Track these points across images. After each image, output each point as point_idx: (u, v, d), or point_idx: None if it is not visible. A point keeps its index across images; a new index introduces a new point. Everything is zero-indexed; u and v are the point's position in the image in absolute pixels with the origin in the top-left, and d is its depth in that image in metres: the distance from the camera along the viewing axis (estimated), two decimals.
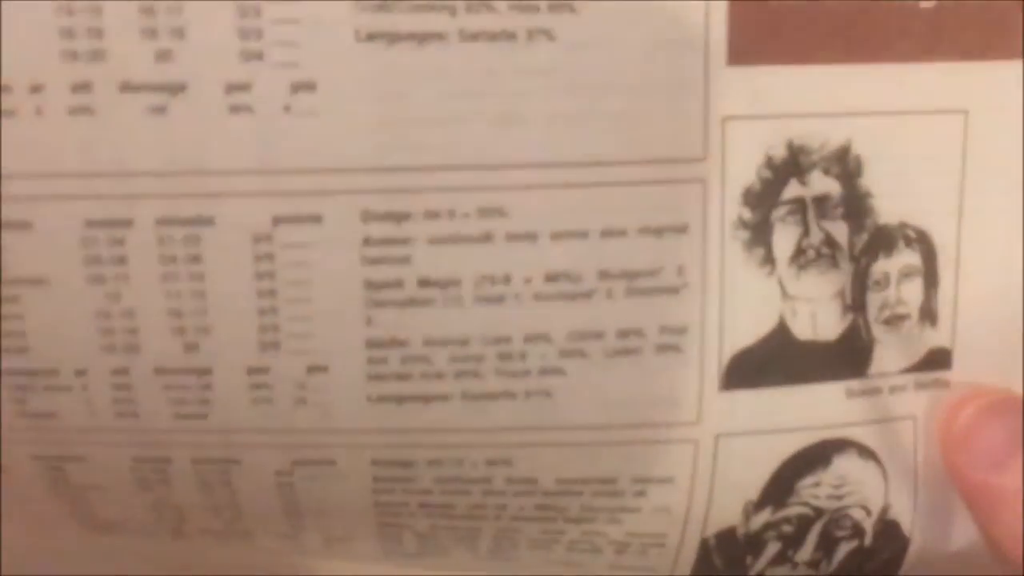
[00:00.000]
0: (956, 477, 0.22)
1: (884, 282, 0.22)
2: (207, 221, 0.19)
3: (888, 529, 0.23)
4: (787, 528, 0.23)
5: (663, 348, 0.21)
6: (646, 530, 0.23)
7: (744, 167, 0.20)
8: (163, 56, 0.18)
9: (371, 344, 0.20)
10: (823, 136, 0.21)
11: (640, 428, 0.21)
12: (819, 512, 0.23)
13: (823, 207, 0.21)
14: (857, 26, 0.20)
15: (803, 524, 0.23)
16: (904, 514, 0.23)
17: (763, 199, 0.21)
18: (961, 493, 0.22)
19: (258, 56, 0.18)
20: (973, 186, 0.22)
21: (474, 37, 0.18)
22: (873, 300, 0.22)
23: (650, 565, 0.24)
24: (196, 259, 0.19)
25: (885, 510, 0.23)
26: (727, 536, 0.23)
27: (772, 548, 0.23)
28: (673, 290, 0.20)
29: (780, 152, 0.20)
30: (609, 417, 0.21)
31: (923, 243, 0.22)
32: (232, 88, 0.18)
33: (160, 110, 0.18)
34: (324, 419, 0.20)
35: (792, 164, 0.21)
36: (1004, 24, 0.21)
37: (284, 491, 0.22)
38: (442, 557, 0.24)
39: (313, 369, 0.20)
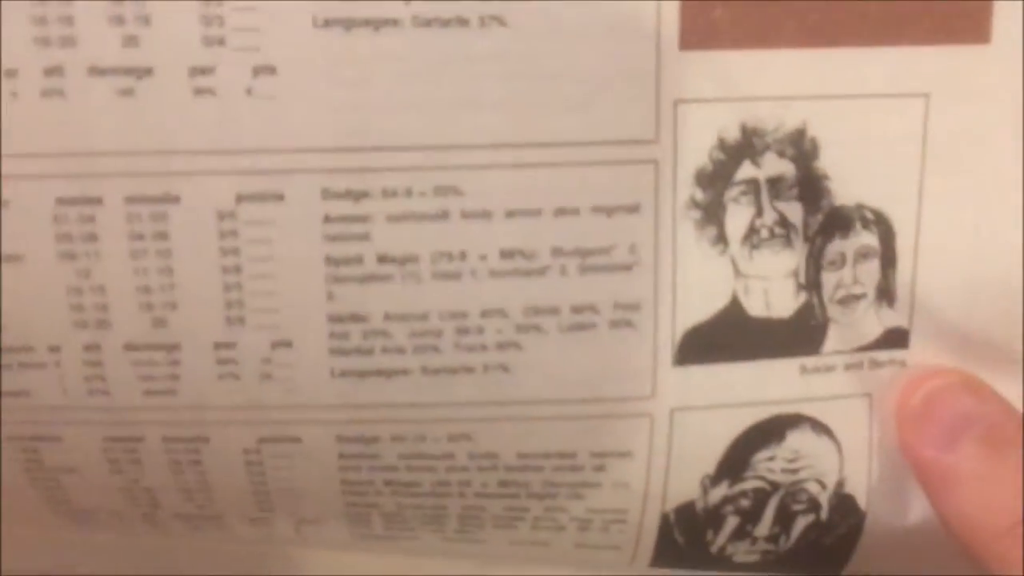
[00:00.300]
0: (909, 454, 0.22)
1: (840, 262, 0.22)
2: (173, 199, 0.20)
3: (844, 503, 0.24)
4: (744, 502, 0.23)
5: (617, 324, 0.21)
6: (607, 506, 0.23)
7: (697, 149, 0.21)
8: (130, 42, 0.19)
9: (333, 319, 0.21)
10: (778, 119, 0.21)
11: (597, 402, 0.22)
12: (775, 486, 0.23)
13: (777, 188, 0.22)
14: (813, 11, 0.21)
15: (760, 498, 0.23)
16: (859, 488, 0.24)
17: (716, 180, 0.21)
18: (914, 470, 0.23)
19: (220, 42, 0.19)
20: (933, 170, 0.22)
21: (427, 23, 0.19)
22: (828, 280, 0.22)
23: (614, 542, 0.24)
24: (163, 236, 0.20)
25: (840, 484, 0.23)
26: (686, 511, 0.23)
27: (731, 523, 0.24)
28: (626, 267, 0.21)
29: (733, 134, 0.21)
30: (566, 391, 0.22)
31: (881, 225, 0.22)
32: (196, 72, 0.19)
33: (127, 93, 0.19)
34: (290, 394, 0.21)
35: (745, 146, 0.21)
36: (967, 8, 0.22)
37: (253, 470, 0.23)
38: (411, 539, 0.25)
39: (278, 344, 0.21)
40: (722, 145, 0.21)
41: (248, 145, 0.19)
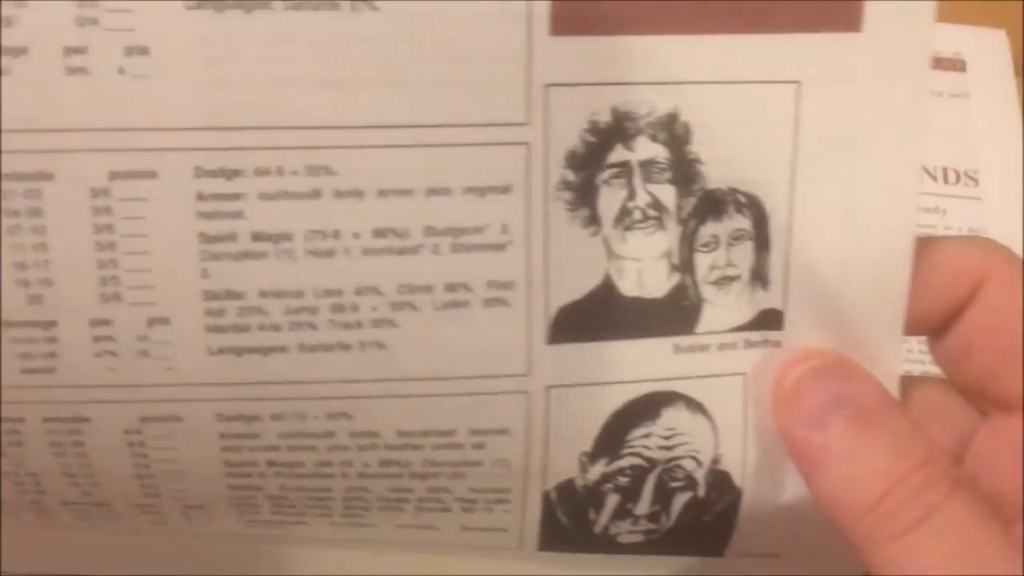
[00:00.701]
0: (783, 434, 0.23)
1: (713, 244, 0.23)
2: (47, 176, 0.20)
3: (720, 480, 0.24)
4: (623, 480, 0.24)
5: (490, 302, 0.22)
6: (489, 485, 0.24)
7: (568, 131, 0.22)
8: (6, 22, 0.20)
9: (208, 296, 0.21)
10: (650, 103, 0.22)
11: (473, 380, 0.22)
12: (651, 463, 0.24)
13: (649, 171, 0.22)
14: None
15: (638, 475, 0.24)
16: (735, 465, 0.24)
17: (587, 163, 0.22)
18: (788, 450, 0.23)
19: (93, 22, 0.20)
20: (805, 155, 0.23)
21: (298, 6, 0.20)
22: (702, 261, 0.23)
23: (500, 524, 0.25)
24: (37, 212, 0.20)
25: (716, 460, 0.24)
26: (567, 489, 0.24)
27: (612, 501, 0.24)
28: (498, 247, 0.22)
29: (605, 118, 0.22)
30: (442, 369, 0.22)
31: (754, 208, 0.23)
32: (69, 51, 0.20)
33: (4, 72, 0.19)
34: (168, 372, 0.22)
35: (617, 130, 0.22)
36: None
37: (135, 451, 0.23)
38: (299, 525, 0.25)
39: (154, 321, 0.21)
40: (594, 128, 0.22)
41: (121, 123, 0.20)
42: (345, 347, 0.22)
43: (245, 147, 0.20)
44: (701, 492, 0.25)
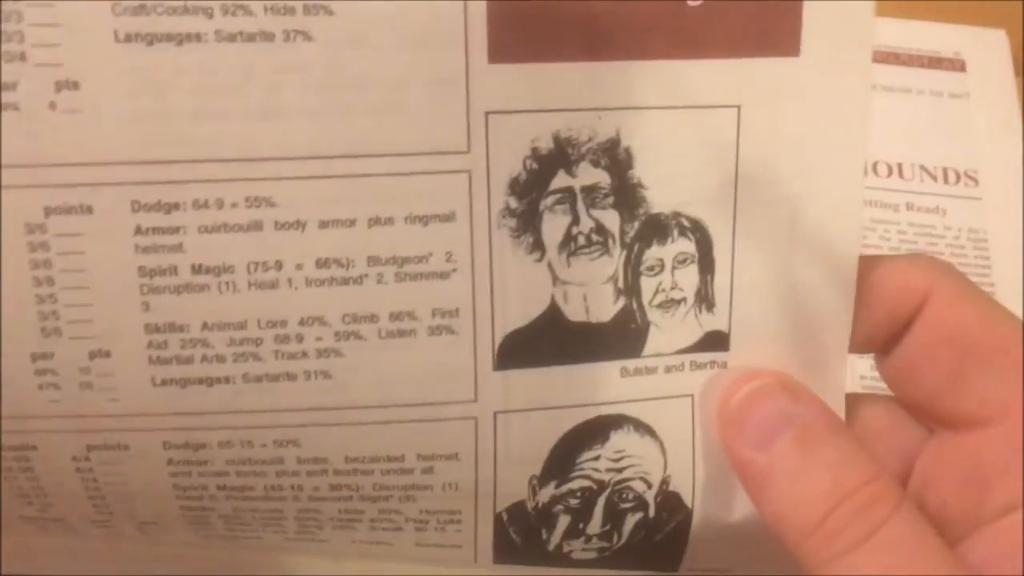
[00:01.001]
0: (730, 454, 0.23)
1: (658, 267, 0.23)
2: None
3: (670, 500, 0.24)
4: (573, 501, 0.24)
5: (436, 330, 0.22)
6: (440, 507, 0.24)
7: (510, 158, 0.22)
8: None
9: (150, 329, 0.21)
10: (591, 129, 0.22)
11: (420, 407, 0.22)
12: (601, 485, 0.24)
13: (593, 197, 0.22)
14: (617, 25, 0.22)
15: (588, 497, 0.24)
16: (684, 486, 0.24)
17: (530, 189, 0.22)
18: (736, 470, 0.23)
19: (21, 57, 0.19)
20: (747, 178, 0.23)
21: (231, 38, 0.20)
22: (647, 285, 0.23)
23: (453, 542, 0.25)
24: None
25: (665, 482, 0.24)
26: (518, 511, 0.24)
27: (563, 521, 0.24)
28: (443, 275, 0.22)
29: (547, 144, 0.22)
30: (390, 396, 0.22)
31: (698, 232, 0.23)
32: None
33: None
34: (112, 404, 0.22)
35: (559, 156, 0.22)
36: (776, 21, 0.22)
37: (85, 476, 0.23)
38: (254, 539, 0.25)
39: (95, 354, 0.21)
40: (535, 155, 0.22)
41: (54, 159, 0.20)
42: (291, 377, 0.22)
43: (182, 180, 0.20)
44: (651, 512, 0.24)
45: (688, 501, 0.25)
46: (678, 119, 0.22)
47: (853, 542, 0.21)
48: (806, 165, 0.23)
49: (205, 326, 0.21)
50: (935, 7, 0.55)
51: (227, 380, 0.22)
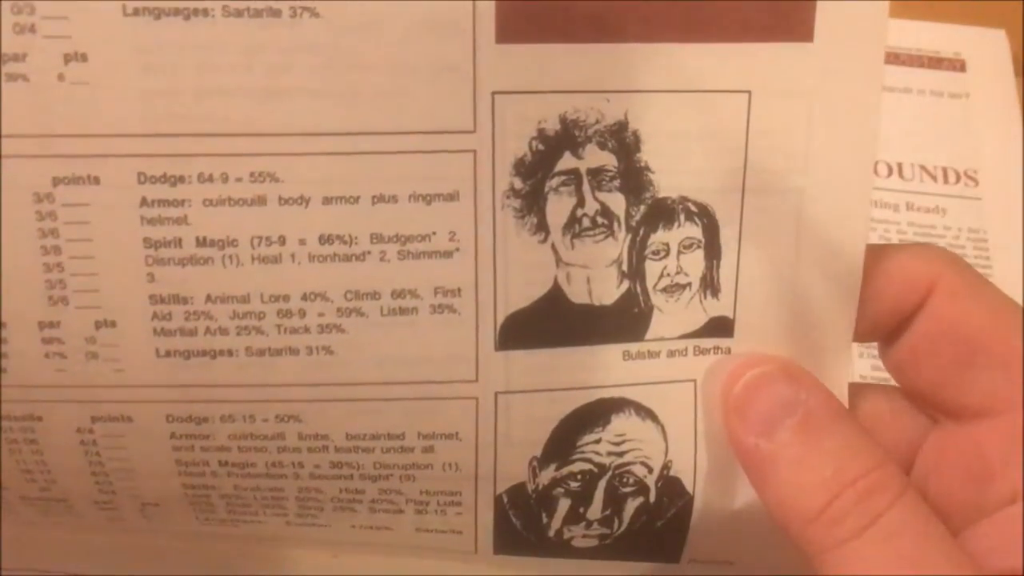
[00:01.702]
0: (732, 441, 0.23)
1: (664, 252, 0.22)
2: None
3: (671, 485, 0.24)
4: (574, 485, 0.23)
5: (438, 308, 0.22)
6: (440, 488, 0.23)
7: (516, 139, 0.22)
8: None
9: (155, 300, 0.21)
10: (598, 112, 0.22)
11: (422, 385, 0.22)
12: (602, 468, 0.23)
13: (599, 179, 0.22)
14: (627, 7, 0.21)
15: (588, 480, 0.23)
16: (685, 471, 0.24)
17: (536, 170, 0.22)
18: (737, 456, 0.23)
19: (31, 29, 0.19)
20: (756, 164, 0.22)
21: (238, 13, 0.20)
22: (652, 269, 0.23)
23: (454, 526, 0.24)
24: None
25: (666, 467, 0.24)
26: (518, 493, 0.24)
27: (563, 505, 0.24)
28: (446, 254, 0.21)
29: (553, 125, 0.21)
30: (391, 374, 0.22)
31: (704, 217, 0.23)
32: (8, 59, 0.19)
33: None
34: (118, 374, 0.22)
35: (566, 137, 0.22)
36: (790, 7, 0.22)
37: (88, 450, 0.23)
38: (255, 523, 0.25)
39: (101, 324, 0.21)
40: (542, 136, 0.21)
41: (62, 130, 0.20)
42: (293, 352, 0.21)
43: (188, 154, 0.20)
44: (652, 497, 0.24)
45: (689, 487, 0.24)
46: (687, 103, 0.22)
47: (855, 530, 0.21)
48: (816, 153, 0.22)
49: (209, 299, 0.21)
50: (935, 7, 0.54)
51: (230, 353, 0.21)
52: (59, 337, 0.21)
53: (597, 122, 0.21)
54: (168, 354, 0.22)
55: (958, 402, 0.23)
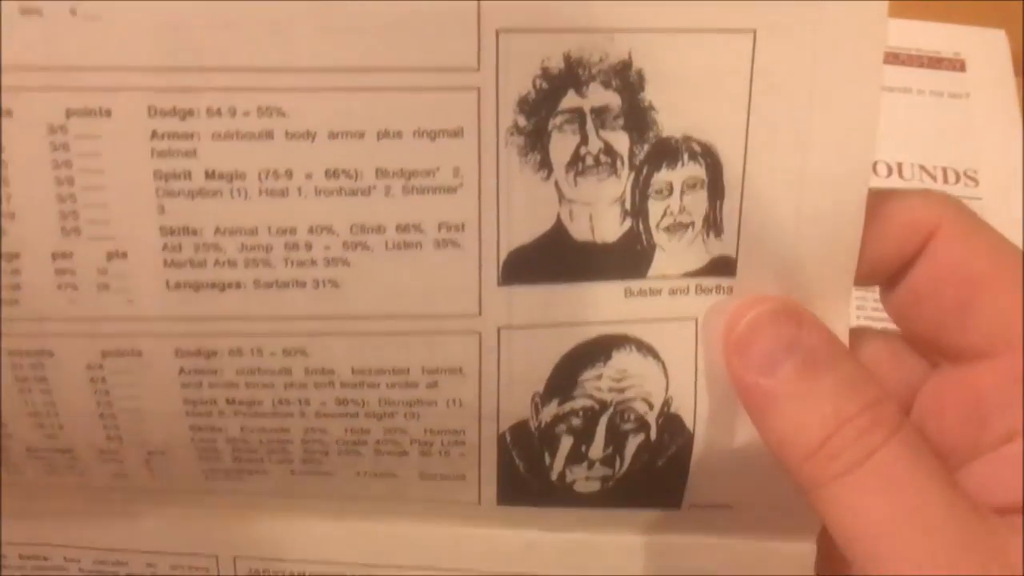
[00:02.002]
0: (734, 378, 0.23)
1: (667, 191, 0.22)
2: (6, 112, 0.20)
3: (671, 423, 0.24)
4: (576, 421, 0.23)
5: (442, 243, 0.22)
6: (444, 426, 0.23)
7: (519, 77, 0.22)
8: None
9: (165, 231, 0.21)
10: (602, 50, 0.22)
11: (425, 319, 0.22)
12: (603, 405, 0.23)
13: (603, 118, 0.22)
14: None
15: (590, 417, 0.24)
16: (686, 409, 0.24)
17: (539, 108, 0.22)
18: (738, 394, 0.23)
19: None
20: (760, 104, 0.23)
21: None
22: (655, 208, 0.22)
23: (457, 470, 0.24)
24: None
25: (667, 404, 0.24)
26: (521, 431, 0.24)
27: (565, 443, 0.24)
28: (450, 189, 0.21)
29: (557, 64, 0.21)
30: (395, 308, 0.22)
31: (708, 157, 0.23)
32: None
33: None
34: (128, 306, 0.22)
35: (569, 76, 0.22)
36: None
37: (97, 388, 0.23)
38: (260, 474, 0.25)
39: (113, 255, 0.21)
40: (546, 74, 0.21)
41: (74, 63, 0.20)
42: (299, 284, 0.22)
43: (196, 88, 0.21)
44: (653, 435, 0.24)
45: (689, 424, 0.25)
46: (692, 43, 0.22)
47: (850, 464, 0.21)
48: (820, 94, 0.22)
49: (218, 231, 0.21)
50: (935, 7, 0.55)
51: (238, 285, 0.22)
52: (71, 268, 0.22)
53: (601, 61, 0.21)
54: (178, 286, 0.22)
55: (958, 345, 0.23)
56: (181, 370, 0.23)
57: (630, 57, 0.22)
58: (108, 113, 0.20)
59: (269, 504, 0.26)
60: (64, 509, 0.26)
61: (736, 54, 0.22)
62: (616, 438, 0.25)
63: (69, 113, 0.20)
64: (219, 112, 0.21)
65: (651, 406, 0.24)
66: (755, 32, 0.22)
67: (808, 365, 0.22)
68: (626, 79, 0.22)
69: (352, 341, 0.23)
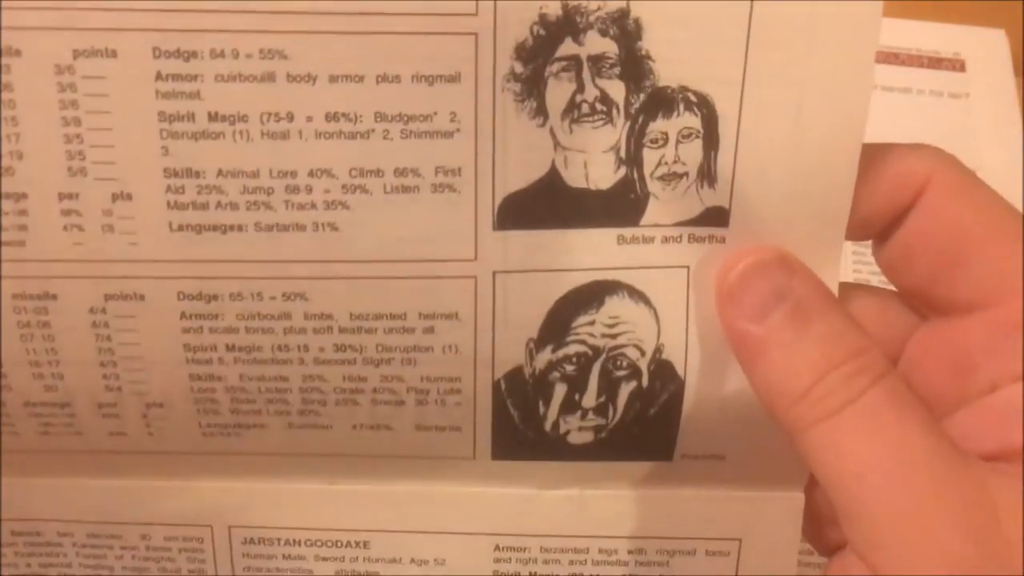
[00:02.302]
0: (725, 327, 0.24)
1: (662, 140, 0.22)
2: (15, 52, 0.20)
3: (663, 370, 0.24)
4: (569, 368, 0.23)
5: (439, 187, 0.22)
6: (441, 373, 0.24)
7: (517, 23, 0.22)
8: None
9: (169, 173, 0.21)
10: None
11: (422, 263, 0.23)
12: (596, 350, 0.23)
13: (599, 66, 0.22)
14: None
15: (582, 363, 0.24)
16: (677, 356, 0.24)
17: (536, 55, 0.22)
18: (730, 343, 0.24)
19: None
20: (757, 57, 0.22)
21: None
22: (650, 157, 0.23)
23: (453, 420, 0.24)
24: (8, 87, 0.21)
25: (659, 350, 0.24)
26: (516, 378, 0.24)
27: (559, 391, 0.24)
28: (447, 134, 0.22)
29: (555, 11, 0.22)
30: (393, 252, 0.23)
31: (704, 107, 0.23)
32: None
33: None
34: (132, 248, 0.22)
35: (567, 23, 0.22)
36: None
37: (99, 333, 0.23)
38: (257, 428, 0.25)
39: (118, 196, 0.21)
40: (543, 21, 0.22)
41: (80, 3, 0.19)
42: (300, 227, 0.22)
43: (199, 29, 0.21)
44: (645, 382, 0.24)
45: (680, 371, 0.25)
46: None
47: (835, 407, 0.21)
48: (818, 47, 0.22)
49: (220, 173, 0.22)
50: (935, 7, 0.54)
51: (240, 228, 0.22)
52: (77, 209, 0.22)
53: (599, 8, 0.22)
54: (181, 228, 0.22)
55: (947, 298, 0.24)
56: (182, 314, 0.23)
57: (628, 5, 0.22)
58: (114, 54, 0.21)
59: (264, 469, 0.26)
60: (57, 483, 0.26)
61: (734, 6, 0.22)
62: (609, 386, 0.25)
63: (76, 54, 0.21)
64: (222, 53, 0.21)
65: (643, 352, 0.24)
66: None
67: (797, 313, 0.22)
68: (623, 27, 0.22)
69: (351, 285, 0.23)
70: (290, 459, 0.26)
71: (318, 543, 0.27)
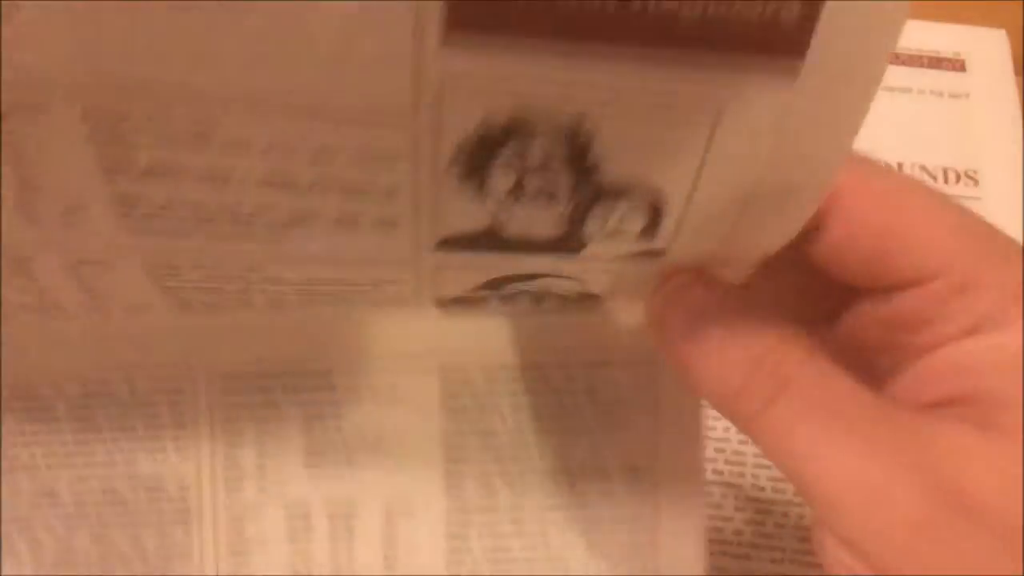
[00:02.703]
0: (661, 350, 0.25)
1: (605, 215, 0.22)
2: None
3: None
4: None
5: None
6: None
7: (460, 126, 0.20)
8: None
9: None
10: (549, 105, 0.19)
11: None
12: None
13: (546, 166, 0.21)
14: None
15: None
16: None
17: (479, 154, 0.20)
18: (668, 363, 0.25)
19: None
20: (714, 165, 0.20)
21: None
22: (593, 224, 0.22)
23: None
24: None
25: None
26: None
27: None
28: (387, 194, 0.21)
29: (501, 115, 0.19)
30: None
31: (652, 195, 0.22)
32: None
33: None
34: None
35: (513, 128, 0.20)
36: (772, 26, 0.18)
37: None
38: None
39: None
40: (486, 125, 0.20)
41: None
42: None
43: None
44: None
45: None
46: (649, 102, 0.19)
47: (770, 396, 0.22)
48: (789, 152, 0.20)
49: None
50: (935, 7, 0.54)
51: None
52: None
53: (548, 119, 0.19)
54: None
55: (884, 283, 0.24)
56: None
57: (581, 115, 0.19)
58: None
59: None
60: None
61: (695, 127, 0.20)
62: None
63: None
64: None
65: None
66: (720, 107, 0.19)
67: (717, 322, 0.24)
68: (573, 138, 0.20)
69: None
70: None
71: None
